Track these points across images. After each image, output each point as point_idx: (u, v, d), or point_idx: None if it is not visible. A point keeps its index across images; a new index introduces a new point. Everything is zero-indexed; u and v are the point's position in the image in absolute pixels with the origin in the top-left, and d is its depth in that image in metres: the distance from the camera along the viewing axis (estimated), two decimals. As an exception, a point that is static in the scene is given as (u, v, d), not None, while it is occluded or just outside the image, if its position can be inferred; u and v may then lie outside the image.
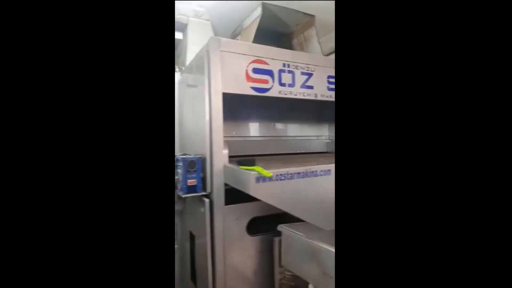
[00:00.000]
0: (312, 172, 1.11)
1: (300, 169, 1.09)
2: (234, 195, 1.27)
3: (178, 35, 1.98)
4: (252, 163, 1.11)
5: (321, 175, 1.13)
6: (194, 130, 1.52)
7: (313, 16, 2.03)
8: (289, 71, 1.43)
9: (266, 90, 1.36)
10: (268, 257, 1.31)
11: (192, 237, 1.52)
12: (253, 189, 1.01)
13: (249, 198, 1.30)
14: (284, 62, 1.41)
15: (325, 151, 2.20)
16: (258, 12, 1.76)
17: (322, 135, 2.24)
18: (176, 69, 1.84)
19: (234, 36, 2.03)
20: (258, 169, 1.02)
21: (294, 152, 2.05)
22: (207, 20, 2.07)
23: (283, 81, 1.41)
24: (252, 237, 1.31)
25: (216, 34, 2.12)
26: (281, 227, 1.22)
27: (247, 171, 1.03)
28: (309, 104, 1.71)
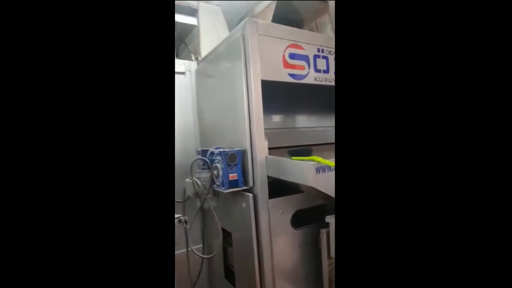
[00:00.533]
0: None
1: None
2: (275, 188, 1.21)
3: (190, 20, 1.84)
4: (308, 153, 1.05)
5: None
6: (224, 122, 1.43)
7: (326, 2, 1.97)
8: (323, 57, 1.37)
9: (303, 76, 1.30)
10: (312, 250, 1.27)
11: (226, 234, 1.44)
12: (313, 180, 0.96)
13: (292, 191, 1.25)
14: (318, 47, 1.35)
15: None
16: (273, -4, 1.68)
17: (336, 124, 2.21)
18: (192, 57, 1.72)
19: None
20: (318, 159, 0.96)
21: (313, 143, 2.01)
22: (217, 5, 1.95)
23: (318, 67, 1.34)
24: (297, 231, 1.25)
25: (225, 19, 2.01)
26: (329, 219, 1.17)
27: (305, 161, 0.97)
28: (322, 93, 1.65)
